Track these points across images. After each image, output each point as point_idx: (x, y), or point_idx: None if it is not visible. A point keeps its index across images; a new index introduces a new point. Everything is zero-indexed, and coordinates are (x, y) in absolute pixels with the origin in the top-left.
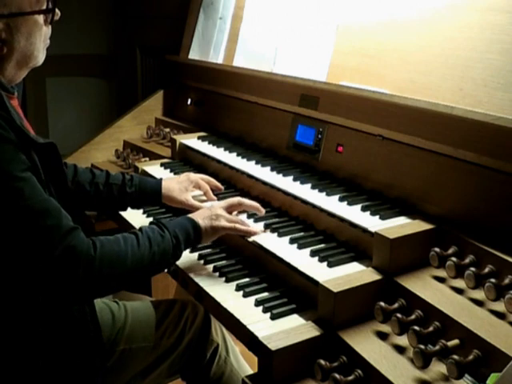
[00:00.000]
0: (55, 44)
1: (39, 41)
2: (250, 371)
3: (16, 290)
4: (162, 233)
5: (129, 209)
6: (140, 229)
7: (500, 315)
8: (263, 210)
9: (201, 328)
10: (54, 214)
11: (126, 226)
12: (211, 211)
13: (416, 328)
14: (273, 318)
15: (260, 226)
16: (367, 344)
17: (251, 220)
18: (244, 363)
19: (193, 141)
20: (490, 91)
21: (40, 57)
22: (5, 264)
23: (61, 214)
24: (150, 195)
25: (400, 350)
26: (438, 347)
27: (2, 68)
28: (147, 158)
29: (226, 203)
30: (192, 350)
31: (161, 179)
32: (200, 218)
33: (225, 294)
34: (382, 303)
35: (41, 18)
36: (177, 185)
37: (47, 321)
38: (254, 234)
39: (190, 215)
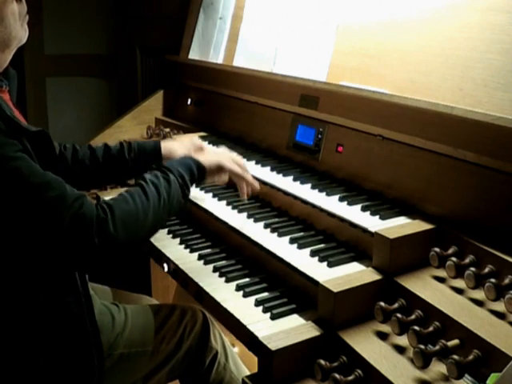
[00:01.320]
0: (55, 44)
1: (14, 21)
2: None
3: (17, 285)
4: (167, 176)
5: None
6: (144, 178)
7: (500, 315)
8: (245, 197)
9: (200, 335)
10: (57, 186)
11: None
12: (216, 150)
13: (416, 328)
14: (273, 318)
15: (260, 225)
16: (367, 344)
17: (251, 220)
18: (244, 369)
19: None
20: (490, 91)
21: (20, 35)
22: (11, 251)
23: (63, 184)
24: (149, 155)
25: (400, 350)
26: (438, 347)
27: None
28: None
29: (233, 155)
30: (191, 356)
31: (159, 141)
32: (203, 157)
33: (225, 293)
34: (382, 303)
35: None
36: (179, 147)
37: (45, 320)
38: (253, 184)
39: (192, 156)
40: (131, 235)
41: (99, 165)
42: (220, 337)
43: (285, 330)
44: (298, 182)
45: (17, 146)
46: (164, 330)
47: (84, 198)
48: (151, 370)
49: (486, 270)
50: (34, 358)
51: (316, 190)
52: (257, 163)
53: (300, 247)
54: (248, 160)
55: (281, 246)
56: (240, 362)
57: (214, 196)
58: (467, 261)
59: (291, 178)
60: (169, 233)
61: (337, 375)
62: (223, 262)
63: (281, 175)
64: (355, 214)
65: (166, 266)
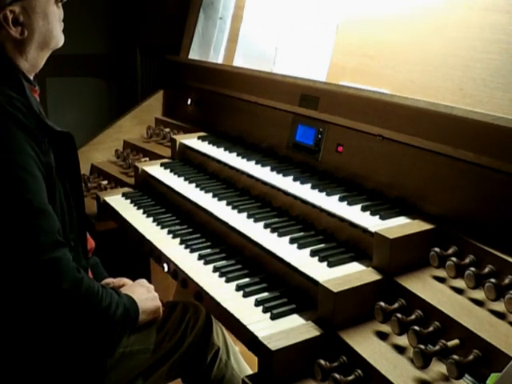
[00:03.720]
0: None
1: (55, 20)
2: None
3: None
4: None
5: (131, 210)
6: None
7: (500, 315)
8: None
9: (202, 331)
10: (51, 221)
11: (126, 226)
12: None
13: (416, 328)
14: (273, 318)
15: (260, 225)
16: (367, 344)
17: (251, 220)
18: (245, 366)
19: (193, 141)
20: (490, 91)
21: (59, 37)
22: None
23: (56, 224)
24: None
25: (400, 350)
26: (438, 347)
27: (25, 52)
28: (147, 158)
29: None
30: (193, 353)
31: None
32: (143, 315)
33: (225, 293)
34: (382, 303)
35: None
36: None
37: (44, 320)
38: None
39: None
40: (89, 304)
41: None
42: (222, 333)
43: (285, 330)
44: (298, 182)
45: (36, 163)
46: (166, 327)
47: (66, 248)
48: (152, 366)
49: (486, 270)
50: (33, 358)
51: (316, 190)
52: (257, 163)
53: (300, 247)
54: (248, 160)
55: (281, 246)
56: (241, 359)
57: (213, 196)
58: (467, 261)
59: (291, 177)
60: (169, 233)
61: (337, 375)
62: (223, 262)
63: (281, 175)
64: (355, 213)
65: (165, 265)
